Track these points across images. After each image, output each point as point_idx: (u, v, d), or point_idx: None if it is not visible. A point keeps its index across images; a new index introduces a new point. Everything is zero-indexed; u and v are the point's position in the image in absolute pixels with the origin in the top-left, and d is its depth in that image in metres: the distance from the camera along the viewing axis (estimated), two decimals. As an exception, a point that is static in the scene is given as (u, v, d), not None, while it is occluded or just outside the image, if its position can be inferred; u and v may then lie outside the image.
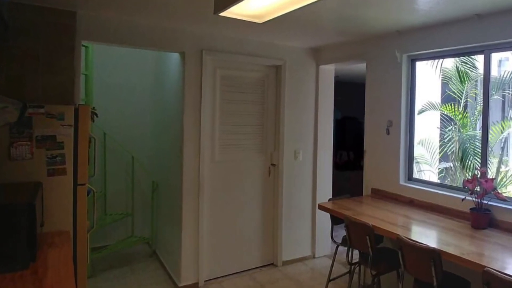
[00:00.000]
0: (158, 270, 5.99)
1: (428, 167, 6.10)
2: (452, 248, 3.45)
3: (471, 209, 4.17)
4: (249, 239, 6.05)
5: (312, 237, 6.61)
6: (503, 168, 6.15)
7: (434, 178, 6.07)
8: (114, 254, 6.40)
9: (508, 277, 2.82)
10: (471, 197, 4.20)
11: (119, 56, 6.63)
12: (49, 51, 4.11)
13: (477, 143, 5.98)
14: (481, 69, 4.88)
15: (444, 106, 6.47)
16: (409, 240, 3.64)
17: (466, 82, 6.51)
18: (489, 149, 4.53)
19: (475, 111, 6.54)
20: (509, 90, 6.07)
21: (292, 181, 6.33)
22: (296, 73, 6.29)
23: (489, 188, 4.05)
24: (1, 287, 2.47)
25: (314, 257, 6.59)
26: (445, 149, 6.67)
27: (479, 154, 4.83)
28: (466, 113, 6.61)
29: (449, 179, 6.69)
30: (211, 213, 5.65)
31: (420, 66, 5.28)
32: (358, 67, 6.63)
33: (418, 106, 5.37)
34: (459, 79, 6.53)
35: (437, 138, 6.45)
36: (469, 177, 4.23)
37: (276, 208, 6.25)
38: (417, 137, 5.34)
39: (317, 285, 5.58)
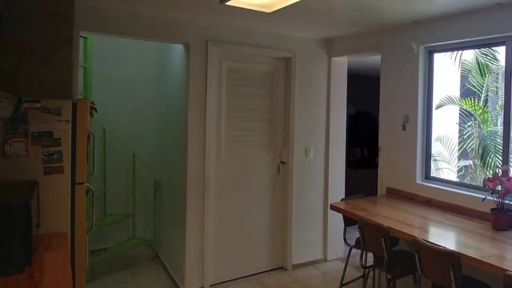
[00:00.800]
0: (160, 274, 5.99)
1: (446, 165, 6.08)
2: (472, 251, 3.45)
3: (492, 209, 4.14)
4: (257, 241, 6.04)
5: (323, 239, 6.58)
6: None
7: (453, 177, 6.05)
8: (114, 257, 6.38)
9: (532, 282, 2.80)
10: (492, 196, 4.16)
11: (119, 47, 6.61)
12: (45, 42, 4.09)
13: (499, 140, 5.94)
14: (502, 61, 4.85)
15: (464, 100, 6.44)
16: (427, 243, 3.63)
17: (487, 75, 6.48)
18: (511, 146, 4.49)
19: (496, 105, 6.51)
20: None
21: (302, 180, 6.31)
22: (307, 65, 6.26)
23: (511, 187, 4.02)
24: (-5, 292, 2.47)
25: (326, 260, 6.57)
26: (464, 146, 6.65)
27: (501, 151, 4.79)
28: (487, 108, 6.58)
29: (468, 178, 6.67)
30: (217, 214, 5.64)
31: (438, 58, 5.26)
32: (373, 59, 6.57)
33: (435, 101, 5.35)
34: (479, 72, 6.50)
35: (456, 135, 6.43)
36: (490, 176, 4.20)
37: (285, 208, 6.24)
38: (434, 134, 5.31)
39: (329, 290, 5.58)
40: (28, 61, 3.99)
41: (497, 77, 6.51)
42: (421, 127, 5.21)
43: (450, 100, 6.02)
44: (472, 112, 6.53)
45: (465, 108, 6.48)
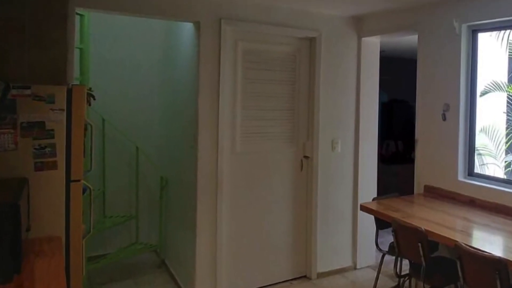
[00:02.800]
0: (167, 283, 6.01)
1: (492, 159, 6.01)
2: (520, 257, 3.45)
3: (544, 210, 4.10)
4: (277, 246, 6.02)
5: (353, 244, 6.56)
6: None
7: (500, 173, 5.98)
8: (115, 264, 6.38)
9: None
10: (545, 196, 4.14)
11: (121, 26, 6.62)
12: (36, 21, 4.06)
13: (551, 132, 5.88)
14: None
15: (512, 86, 6.37)
16: (470, 248, 3.64)
17: (539, 58, 6.40)
18: None
19: (549, 92, 6.43)
20: None
21: (329, 177, 6.28)
22: (334, 46, 6.22)
23: None
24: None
25: (355, 268, 6.55)
26: (513, 139, 6.58)
27: (554, 144, 4.75)
28: (538, 95, 6.50)
29: (517, 175, 6.60)
30: (231, 215, 5.63)
31: (483, 38, 5.22)
32: (409, 39, 6.57)
33: (480, 87, 5.32)
34: (530, 54, 6.42)
35: (503, 125, 6.35)
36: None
37: (309, 209, 6.21)
38: (479, 124, 5.31)
39: (359, 302, 5.57)
40: (17, 42, 3.96)
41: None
42: (464, 116, 5.20)
43: (497, 86, 5.95)
44: (521, 100, 6.46)
45: (513, 95, 6.41)
